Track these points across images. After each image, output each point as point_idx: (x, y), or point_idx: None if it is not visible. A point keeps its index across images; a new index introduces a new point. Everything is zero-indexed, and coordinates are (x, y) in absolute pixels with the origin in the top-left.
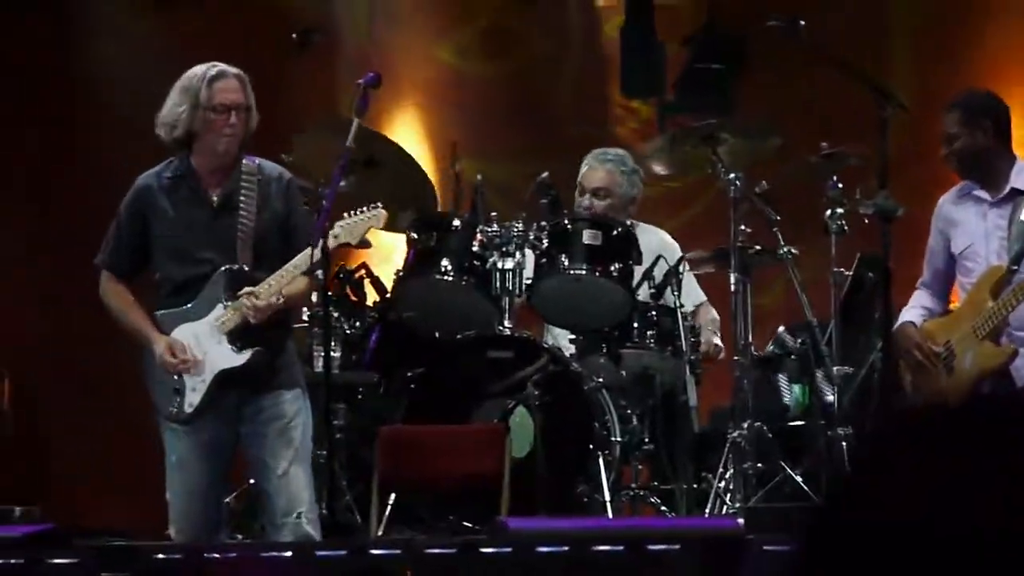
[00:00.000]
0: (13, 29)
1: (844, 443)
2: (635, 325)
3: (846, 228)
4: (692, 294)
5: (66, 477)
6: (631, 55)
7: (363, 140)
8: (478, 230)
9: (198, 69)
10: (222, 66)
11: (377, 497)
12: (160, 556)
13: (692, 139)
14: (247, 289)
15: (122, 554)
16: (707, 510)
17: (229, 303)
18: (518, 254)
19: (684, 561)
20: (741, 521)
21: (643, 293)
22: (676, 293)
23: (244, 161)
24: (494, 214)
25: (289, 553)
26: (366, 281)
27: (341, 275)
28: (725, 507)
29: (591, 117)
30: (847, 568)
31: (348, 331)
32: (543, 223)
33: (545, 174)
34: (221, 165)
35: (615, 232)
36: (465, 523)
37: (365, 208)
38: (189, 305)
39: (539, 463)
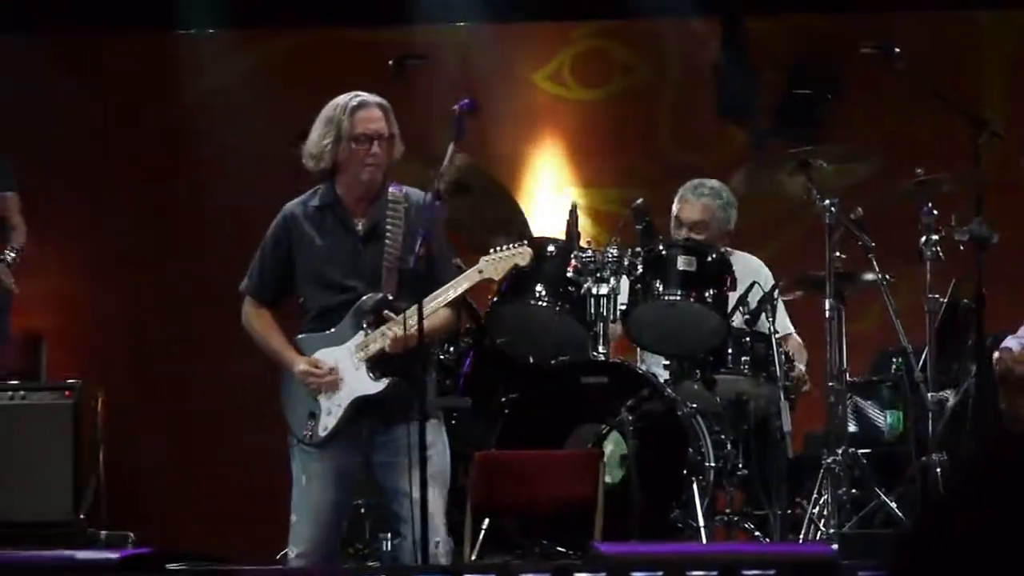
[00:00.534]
0: (121, 57)
1: (938, 469)
2: (729, 351)
3: (941, 254)
4: (780, 324)
5: (159, 500)
6: (726, 80)
7: (459, 166)
8: (572, 256)
9: (341, 99)
10: (364, 96)
11: (471, 522)
12: None
13: (787, 165)
14: (388, 314)
15: None
16: (801, 536)
17: (370, 331)
18: (612, 280)
19: None
20: (835, 547)
21: (737, 319)
22: (770, 319)
23: (391, 189)
24: (588, 240)
25: None
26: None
27: None
28: (819, 533)
29: (686, 143)
30: None
31: (442, 356)
32: (638, 249)
33: (640, 200)
34: (366, 194)
35: (709, 258)
36: (559, 548)
37: (512, 244)
38: (331, 330)
39: (633, 488)
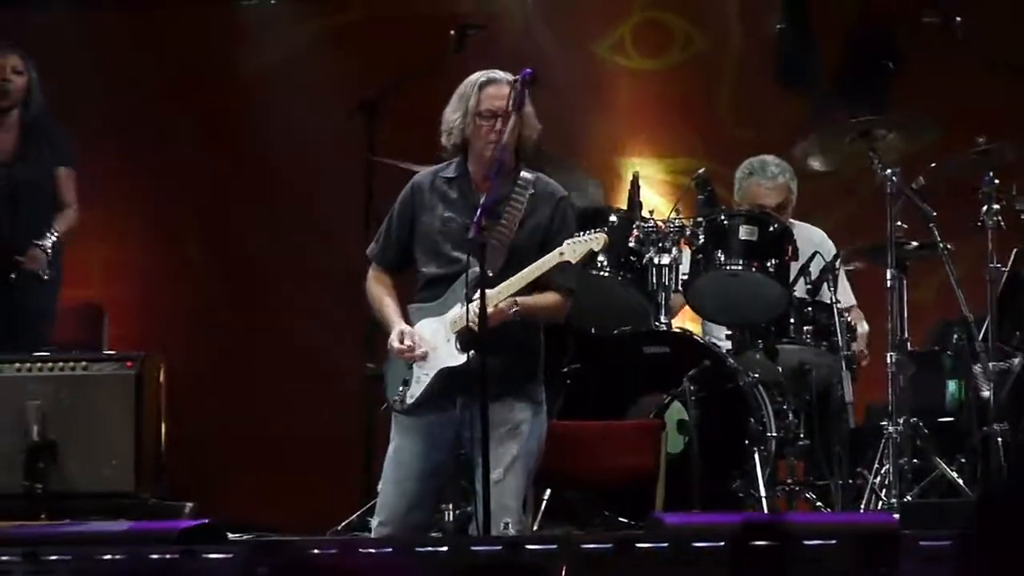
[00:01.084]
0: (181, 28)
1: (1000, 439)
2: (791, 321)
3: (1002, 223)
4: (843, 295)
5: (220, 472)
6: (786, 50)
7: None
8: (634, 226)
9: (474, 76)
10: (496, 73)
11: (532, 493)
12: (314, 551)
13: (848, 135)
14: (480, 292)
15: (275, 549)
16: (862, 505)
17: (465, 304)
18: (674, 250)
19: (840, 556)
20: (896, 517)
21: (799, 289)
22: (832, 289)
23: (523, 173)
24: (650, 210)
25: (444, 548)
26: None
27: None
28: (880, 503)
29: (746, 113)
30: (1009, 558)
31: None
32: (699, 219)
33: (702, 170)
34: (491, 171)
35: (771, 228)
36: (620, 518)
37: (590, 230)
38: (435, 302)
39: (694, 459)
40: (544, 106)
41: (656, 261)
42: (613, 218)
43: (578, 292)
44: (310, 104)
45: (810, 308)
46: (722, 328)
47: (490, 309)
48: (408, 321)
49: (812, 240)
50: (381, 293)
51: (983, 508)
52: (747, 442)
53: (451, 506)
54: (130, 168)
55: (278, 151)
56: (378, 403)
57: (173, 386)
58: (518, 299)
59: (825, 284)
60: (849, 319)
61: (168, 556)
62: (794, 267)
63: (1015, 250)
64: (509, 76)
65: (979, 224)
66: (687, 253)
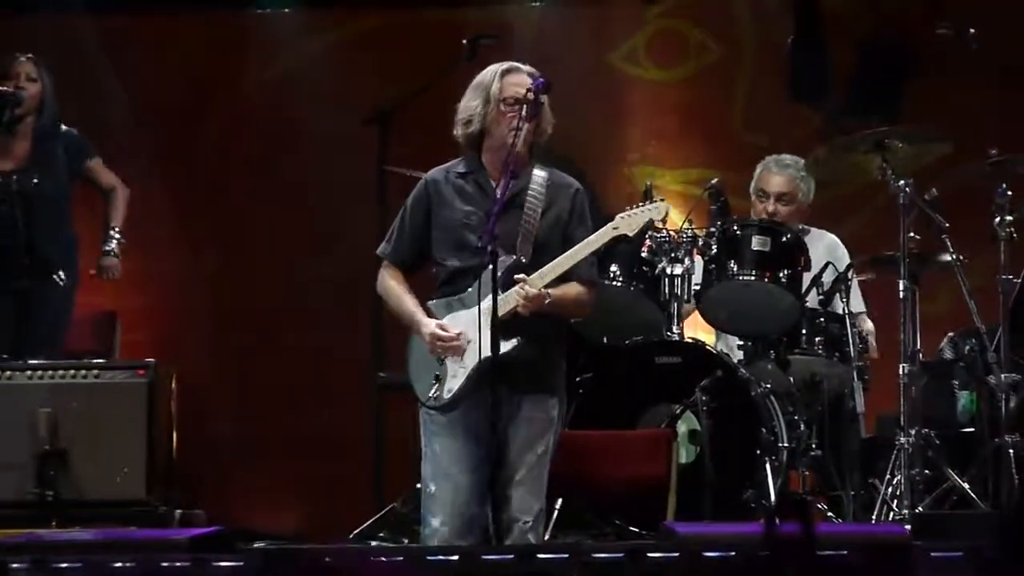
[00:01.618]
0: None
1: (1012, 450)
2: (803, 331)
3: (1015, 235)
4: (854, 303)
5: (231, 479)
6: (800, 61)
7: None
8: (647, 235)
9: (492, 66)
10: (516, 63)
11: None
12: (326, 559)
13: (862, 145)
14: (520, 276)
15: (286, 557)
16: (874, 516)
17: (501, 293)
18: (687, 260)
19: (852, 568)
20: (908, 528)
21: (811, 299)
22: (845, 299)
23: (536, 168)
24: (663, 220)
25: (455, 557)
26: None
27: None
28: (892, 514)
29: (760, 123)
30: None
31: None
32: (712, 229)
33: (715, 180)
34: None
35: (784, 238)
36: (632, 528)
37: (647, 201)
38: (461, 295)
39: (706, 468)
40: (557, 116)
41: (669, 271)
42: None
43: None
44: (325, 113)
45: (822, 319)
46: (734, 338)
47: (533, 291)
48: (431, 316)
49: (825, 249)
50: (400, 290)
51: (1006, 523)
52: (759, 452)
53: None
54: (145, 177)
55: (293, 160)
56: (389, 412)
57: (185, 394)
58: (549, 290)
59: (837, 295)
60: (858, 328)
61: (179, 564)
62: (807, 277)
63: None
64: (527, 67)
65: (992, 236)
66: (700, 263)
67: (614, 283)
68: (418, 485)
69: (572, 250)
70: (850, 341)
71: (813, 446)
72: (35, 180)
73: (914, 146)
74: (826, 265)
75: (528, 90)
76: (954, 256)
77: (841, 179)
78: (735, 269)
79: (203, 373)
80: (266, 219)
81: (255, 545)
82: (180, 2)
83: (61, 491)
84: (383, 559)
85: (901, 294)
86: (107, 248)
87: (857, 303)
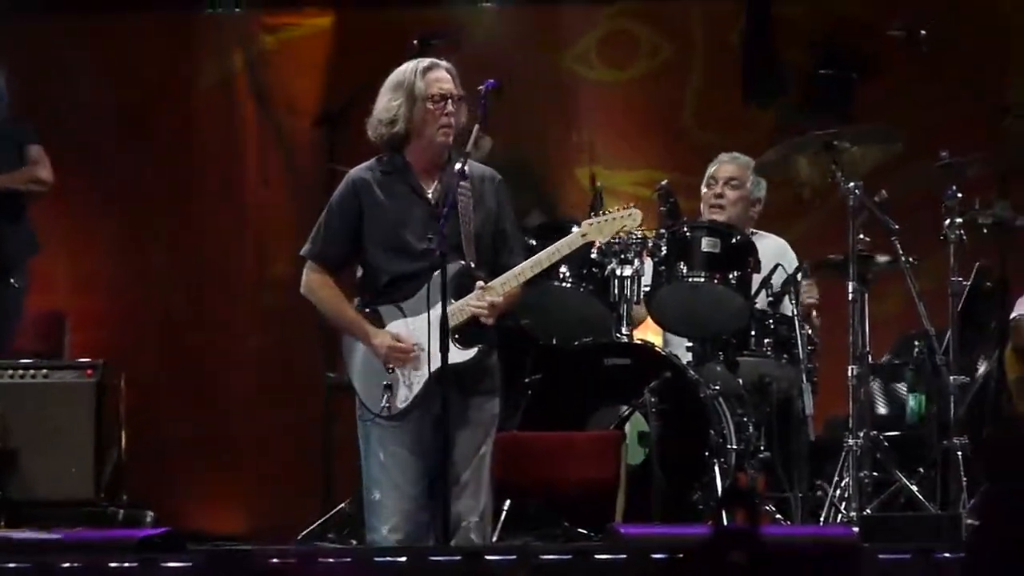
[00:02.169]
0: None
1: (960, 453)
2: (752, 333)
3: (964, 238)
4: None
5: (180, 480)
6: (752, 63)
7: (481, 146)
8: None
9: (407, 65)
10: (431, 59)
11: (492, 502)
12: (274, 560)
13: (812, 147)
14: (481, 284)
15: (235, 558)
16: (822, 518)
17: (455, 299)
18: (636, 261)
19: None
20: (856, 530)
21: (761, 301)
22: (794, 301)
23: (456, 163)
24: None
25: (404, 558)
26: None
27: None
28: (840, 516)
29: (711, 124)
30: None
31: None
32: (662, 230)
33: (665, 181)
34: (436, 160)
35: (734, 240)
36: (580, 529)
37: (618, 208)
38: (407, 300)
39: (655, 470)
40: (507, 116)
41: (618, 272)
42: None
43: (539, 303)
44: (273, 115)
45: (771, 320)
46: (683, 340)
47: (499, 300)
48: (378, 323)
49: (774, 251)
50: (338, 298)
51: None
52: (707, 454)
53: None
54: (93, 178)
55: (242, 160)
56: (338, 412)
57: (134, 394)
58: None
59: (787, 296)
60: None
61: (127, 564)
62: (756, 279)
63: (977, 264)
64: (444, 62)
65: (942, 238)
66: (649, 264)
67: (563, 284)
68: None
69: (536, 257)
70: (799, 343)
71: (762, 448)
72: None
73: (864, 147)
74: (776, 267)
75: (479, 90)
76: (904, 258)
77: (792, 179)
78: (684, 270)
79: (152, 374)
80: (215, 219)
81: (204, 546)
82: (130, 2)
83: (10, 491)
84: (331, 560)
85: (850, 296)
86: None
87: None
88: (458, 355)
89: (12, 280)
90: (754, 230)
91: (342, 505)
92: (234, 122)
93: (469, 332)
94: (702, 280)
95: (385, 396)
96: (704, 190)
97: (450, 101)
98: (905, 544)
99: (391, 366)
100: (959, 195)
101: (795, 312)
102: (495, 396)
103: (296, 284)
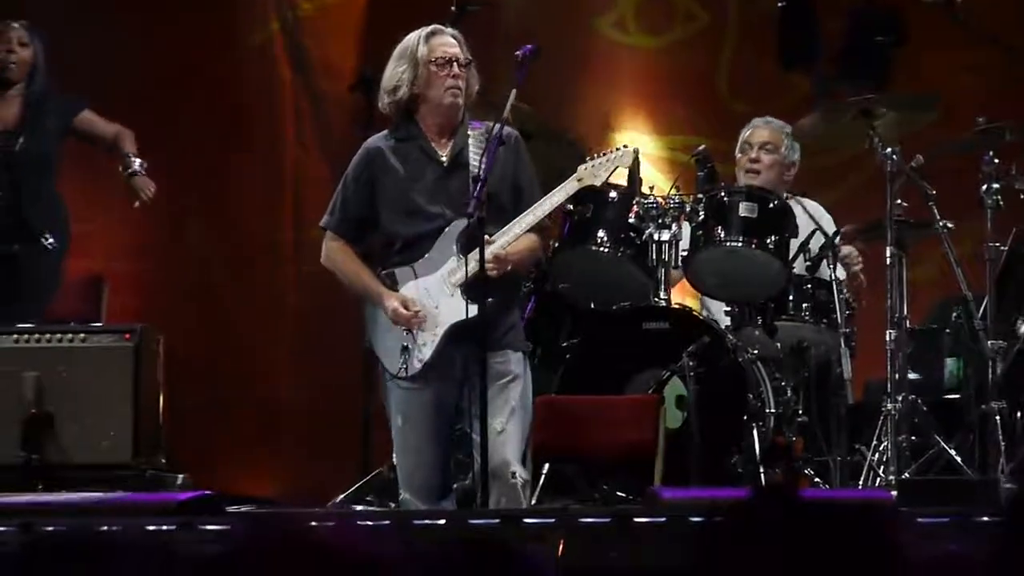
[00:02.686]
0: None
1: (998, 417)
2: (790, 297)
3: (1001, 203)
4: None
5: (217, 444)
6: (789, 28)
7: (518, 112)
8: (634, 202)
9: (413, 32)
10: (436, 25)
11: (531, 466)
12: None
13: (849, 113)
14: (486, 239)
15: (273, 521)
16: (860, 482)
17: (462, 256)
18: (674, 226)
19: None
20: (894, 493)
21: (798, 266)
22: (832, 266)
23: (472, 124)
24: (650, 186)
25: (442, 521)
26: None
27: None
28: (878, 479)
29: (747, 90)
30: None
31: None
32: (699, 195)
33: (703, 147)
34: (448, 122)
35: (771, 204)
36: (619, 493)
37: (613, 149)
38: (419, 261)
39: (693, 434)
40: (544, 82)
41: (656, 237)
42: (613, 194)
43: (577, 267)
44: (312, 77)
45: (809, 285)
46: (721, 305)
47: (501, 253)
48: (392, 285)
49: (812, 215)
50: (355, 265)
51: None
52: (745, 418)
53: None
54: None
55: (279, 124)
56: (377, 376)
57: (171, 359)
58: (506, 249)
59: (825, 261)
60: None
61: (165, 528)
62: (794, 244)
63: (1014, 230)
64: (449, 28)
65: (979, 203)
66: (687, 229)
67: (601, 249)
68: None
69: (536, 205)
70: (837, 307)
71: (800, 412)
72: (21, 142)
73: (901, 113)
74: (813, 231)
75: (517, 55)
76: (941, 223)
77: (828, 146)
78: (722, 235)
79: (190, 338)
80: (253, 183)
81: (242, 509)
82: None
83: (47, 455)
84: (369, 523)
85: (888, 260)
86: (132, 169)
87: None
88: (462, 313)
89: (47, 240)
90: (790, 194)
91: (380, 469)
92: (272, 86)
93: (477, 287)
94: (740, 245)
95: (403, 357)
96: (739, 155)
97: (455, 64)
98: (943, 508)
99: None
100: (996, 161)
101: (832, 276)
102: (517, 350)
103: None
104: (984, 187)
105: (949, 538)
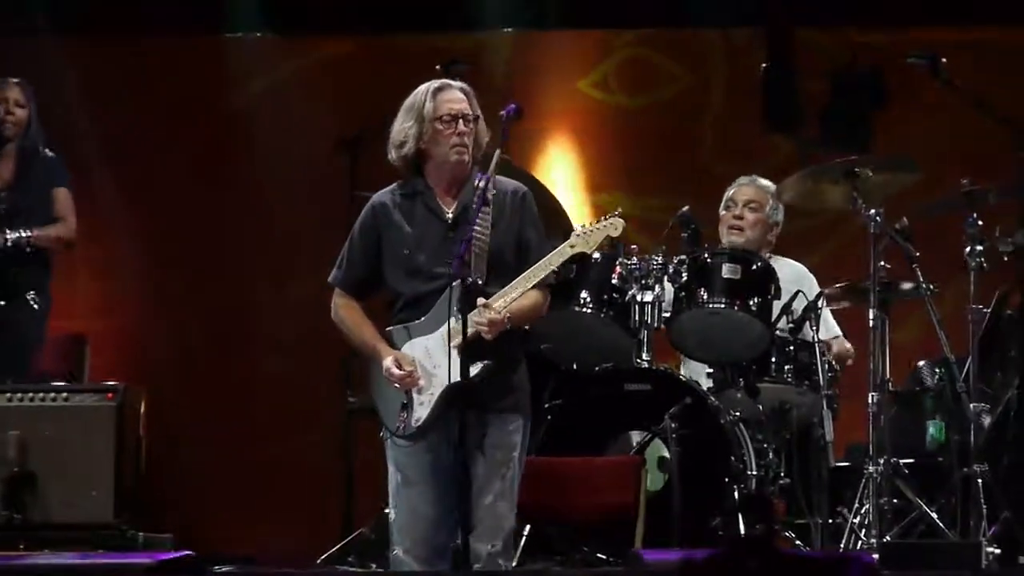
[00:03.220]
0: (170, 60)
1: (980, 480)
2: (773, 359)
3: (985, 265)
4: (828, 328)
5: (200, 503)
6: (773, 90)
7: (502, 171)
8: (618, 262)
9: (420, 87)
10: (445, 80)
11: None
12: None
13: (832, 174)
14: (481, 301)
15: None
16: (842, 544)
17: (460, 316)
18: (657, 287)
19: None
20: (876, 556)
21: (781, 327)
22: (814, 328)
23: (478, 177)
24: (634, 247)
25: None
26: None
27: None
28: (860, 542)
29: (730, 152)
30: None
31: None
32: (683, 256)
33: (686, 208)
34: (454, 179)
35: (754, 266)
36: (600, 555)
37: (603, 217)
38: (420, 320)
39: (675, 496)
40: (527, 142)
41: (639, 298)
42: (596, 255)
43: (559, 328)
44: (295, 137)
45: (792, 347)
46: (703, 366)
47: (496, 316)
48: (391, 344)
49: (794, 277)
50: (358, 320)
51: None
52: (727, 480)
53: None
54: (116, 201)
55: (264, 184)
56: (358, 435)
57: (154, 418)
58: (507, 311)
59: (807, 323)
60: (833, 353)
61: None
62: (776, 305)
63: (997, 292)
64: (459, 82)
65: (962, 265)
66: (670, 290)
67: (584, 309)
68: (386, 510)
69: (530, 270)
70: (819, 369)
71: (782, 474)
72: (14, 200)
73: (885, 175)
74: (796, 293)
75: (500, 115)
76: (924, 285)
77: (812, 207)
78: (705, 297)
79: (172, 397)
80: (234, 244)
81: (224, 569)
82: (149, 26)
83: (29, 514)
84: None
85: (871, 323)
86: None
87: (832, 327)
88: (465, 372)
89: (32, 299)
90: (773, 255)
91: (362, 529)
92: (255, 146)
93: (475, 349)
94: (723, 306)
95: (401, 415)
96: (723, 212)
97: (462, 121)
98: (925, 572)
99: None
100: (979, 223)
101: (815, 338)
102: (518, 415)
103: (316, 309)
104: (968, 249)
105: None
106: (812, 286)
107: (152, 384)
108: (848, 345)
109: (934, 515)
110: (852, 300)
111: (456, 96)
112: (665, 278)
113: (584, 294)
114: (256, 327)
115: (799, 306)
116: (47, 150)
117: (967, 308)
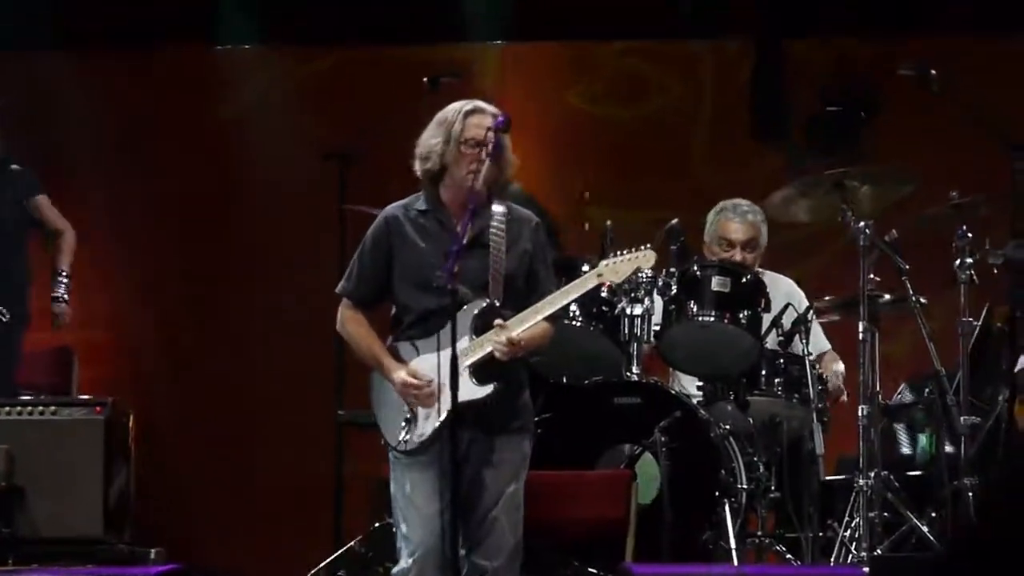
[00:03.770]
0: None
1: (970, 493)
2: (763, 372)
3: (975, 278)
4: (818, 342)
5: (189, 517)
6: (761, 101)
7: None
8: None
9: (456, 104)
10: (480, 103)
11: None
12: None
13: (822, 186)
14: (499, 322)
15: None
16: (832, 558)
17: (475, 336)
18: (647, 300)
19: None
20: (866, 570)
21: (771, 341)
22: (804, 341)
23: (495, 205)
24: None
25: None
26: None
27: None
28: (850, 556)
29: (720, 163)
30: None
31: None
32: (672, 270)
33: (675, 220)
34: (468, 200)
35: (744, 280)
36: (590, 569)
37: (633, 248)
38: (429, 337)
39: (665, 509)
40: (516, 154)
41: (628, 311)
42: (585, 268)
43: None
44: (284, 149)
45: (782, 360)
46: (693, 379)
47: (515, 337)
48: (397, 359)
49: (784, 291)
50: (366, 333)
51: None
52: (717, 493)
53: None
54: (102, 213)
55: (254, 195)
56: (348, 449)
57: (142, 432)
58: (519, 334)
59: (797, 336)
60: (821, 369)
61: None
62: (766, 319)
63: (987, 304)
64: (494, 108)
65: (952, 278)
66: (660, 303)
67: (574, 323)
68: (377, 524)
69: (552, 296)
70: (810, 383)
71: (772, 487)
72: None
73: (875, 187)
74: (786, 306)
75: (488, 129)
76: (914, 298)
77: (802, 219)
78: (695, 310)
79: (161, 410)
80: (224, 256)
81: None
82: (138, 39)
83: (18, 528)
84: None
85: (860, 336)
86: (56, 294)
87: (820, 341)
88: (473, 392)
89: (2, 313)
90: (761, 269)
91: (352, 543)
92: (243, 158)
93: (487, 369)
94: (712, 320)
95: (404, 430)
96: (715, 248)
97: (483, 148)
98: None
99: (413, 404)
100: (969, 235)
101: (805, 351)
102: (525, 435)
103: (306, 321)
104: (958, 262)
105: None
106: (801, 300)
107: (141, 397)
108: (839, 366)
109: (924, 528)
110: (842, 313)
111: (486, 121)
112: (655, 291)
113: (574, 307)
114: (245, 340)
115: (788, 319)
116: (13, 165)
117: (957, 321)
